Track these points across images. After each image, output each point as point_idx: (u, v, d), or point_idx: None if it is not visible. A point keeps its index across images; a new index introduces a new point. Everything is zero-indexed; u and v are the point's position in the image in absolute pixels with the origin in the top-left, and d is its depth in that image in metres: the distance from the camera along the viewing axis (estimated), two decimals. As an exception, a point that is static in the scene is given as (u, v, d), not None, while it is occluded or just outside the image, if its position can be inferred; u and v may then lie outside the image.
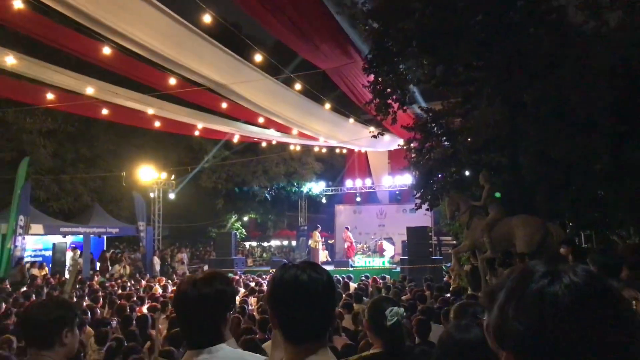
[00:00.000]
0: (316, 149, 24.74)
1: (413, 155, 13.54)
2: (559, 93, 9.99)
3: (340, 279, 13.66)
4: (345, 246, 21.84)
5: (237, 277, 14.72)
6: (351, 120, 17.67)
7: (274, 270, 1.81)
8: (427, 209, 14.13)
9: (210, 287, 1.98)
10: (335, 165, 29.73)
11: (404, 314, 2.69)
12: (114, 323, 7.73)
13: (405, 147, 14.05)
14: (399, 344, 2.64)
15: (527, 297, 0.95)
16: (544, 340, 0.91)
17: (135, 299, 10.24)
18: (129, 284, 14.27)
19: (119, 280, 15.56)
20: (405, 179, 21.67)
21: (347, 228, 22.27)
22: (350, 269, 19.11)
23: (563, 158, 10.46)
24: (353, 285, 12.55)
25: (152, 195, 22.87)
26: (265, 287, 11.95)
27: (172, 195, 23.78)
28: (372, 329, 2.73)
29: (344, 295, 9.96)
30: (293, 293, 1.59)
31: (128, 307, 8.53)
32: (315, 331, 1.61)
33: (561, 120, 10.32)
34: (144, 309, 9.00)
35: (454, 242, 18.08)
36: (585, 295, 0.93)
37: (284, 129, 18.44)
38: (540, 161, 11.19)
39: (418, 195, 13.54)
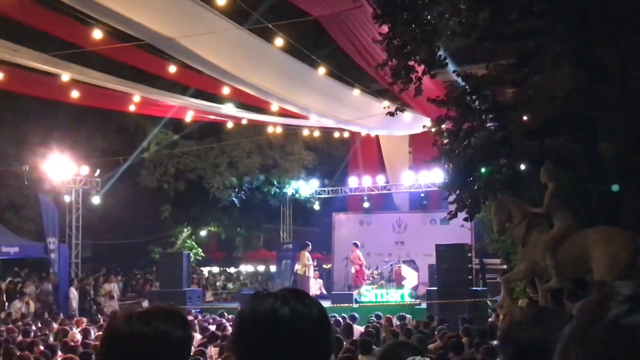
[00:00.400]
0: (306, 132, 24.73)
1: (445, 140, 13.56)
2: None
3: (340, 319, 13.70)
4: (353, 270, 21.90)
5: (191, 318, 14.71)
6: (356, 91, 17.67)
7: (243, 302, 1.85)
8: (464, 219, 14.16)
9: (147, 325, 1.96)
10: (334, 156, 29.77)
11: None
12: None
13: (433, 130, 14.06)
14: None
15: (596, 330, 0.96)
16: None
17: (42, 348, 10.23)
18: (34, 328, 14.22)
19: (20, 323, 15.50)
20: (434, 176, 21.71)
21: (355, 245, 22.27)
22: (355, 305, 19.16)
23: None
24: (358, 329, 12.58)
25: (67, 199, 22.78)
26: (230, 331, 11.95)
27: (96, 199, 23.69)
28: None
29: (344, 344, 10.01)
30: (269, 334, 1.59)
31: (32, 361, 8.54)
32: None
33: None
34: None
35: (504, 266, 18.11)
36: None
37: (258, 104, 18.41)
38: (630, 149, 11.26)
39: (452, 198, 13.55)
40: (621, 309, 0.96)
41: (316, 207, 28.75)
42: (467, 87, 12.97)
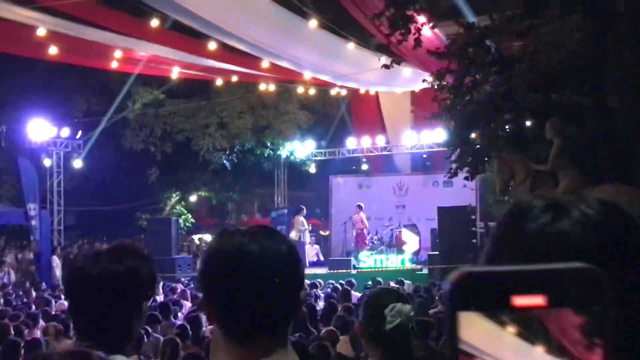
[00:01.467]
0: (300, 90, 24.67)
1: (447, 95, 13.56)
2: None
3: (338, 286, 13.87)
4: (354, 234, 22.01)
5: (181, 287, 14.92)
6: (352, 44, 17.61)
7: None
8: (465, 178, 14.24)
9: (119, 263, 2.07)
10: (330, 115, 29.73)
11: (411, 314, 2.76)
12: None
13: (434, 84, 14.06)
14: (404, 356, 2.72)
15: (524, 241, 1.01)
16: None
17: (24, 318, 10.35)
18: (14, 297, 14.40)
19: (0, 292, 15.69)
20: (437, 136, 21.73)
21: (359, 207, 22.30)
22: (353, 271, 19.34)
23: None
24: (356, 296, 12.74)
25: (47, 162, 22.82)
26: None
27: (78, 163, 23.75)
28: (368, 334, 2.82)
29: (339, 309, 10.17)
30: (237, 270, 1.64)
31: (13, 329, 8.65)
32: (271, 323, 1.67)
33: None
34: (37, 333, 9.14)
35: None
36: (604, 230, 1.00)
37: (247, 62, 18.37)
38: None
39: (454, 157, 13.60)
40: (546, 219, 1.01)
41: (312, 170, 28.82)
42: (470, 38, 12.91)
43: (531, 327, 0.67)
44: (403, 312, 2.72)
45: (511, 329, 0.67)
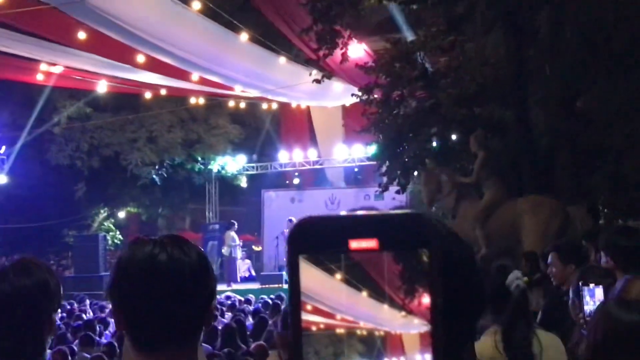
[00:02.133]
0: (231, 104, 24.64)
1: (375, 109, 13.78)
2: (589, 13, 10.43)
3: (269, 301, 13.86)
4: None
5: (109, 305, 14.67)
6: (282, 58, 17.74)
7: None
8: (396, 192, 14.47)
9: (28, 277, 2.10)
10: (262, 129, 29.75)
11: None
12: None
13: (363, 98, 14.28)
14: None
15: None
16: None
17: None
18: None
19: None
20: (368, 150, 22.00)
21: (291, 221, 22.38)
22: (285, 286, 19.30)
23: (596, 111, 10.96)
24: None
25: (-32, 178, 22.22)
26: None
27: (2, 179, 23.17)
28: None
29: (269, 323, 10.21)
30: (146, 279, 1.67)
31: None
32: (178, 334, 1.70)
33: (593, 53, 10.78)
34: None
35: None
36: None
37: (178, 74, 18.28)
38: (562, 116, 11.66)
39: (383, 170, 13.83)
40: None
41: (244, 184, 28.75)
42: (396, 53, 13.18)
43: (356, 274, 0.78)
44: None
45: (338, 276, 0.78)
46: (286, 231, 22.00)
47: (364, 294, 0.77)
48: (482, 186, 11.39)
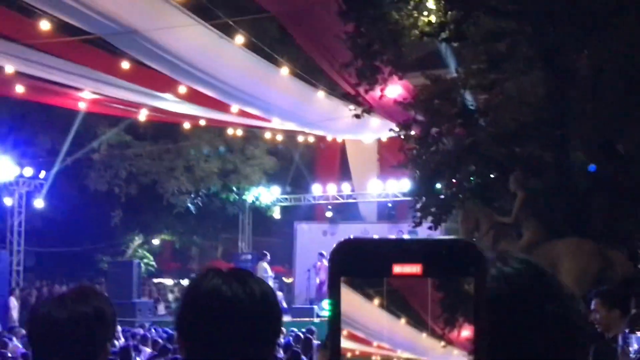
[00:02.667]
0: (267, 135, 24.80)
1: (413, 146, 13.73)
2: (630, 54, 10.33)
3: (300, 334, 13.78)
4: (317, 282, 22.04)
5: (142, 332, 14.72)
6: (321, 92, 17.83)
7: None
8: (429, 228, 14.36)
9: (85, 305, 2.10)
10: (297, 161, 29.88)
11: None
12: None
13: (400, 134, 14.25)
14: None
15: None
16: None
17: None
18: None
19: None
20: (403, 186, 21.94)
21: (322, 254, 22.40)
22: (316, 319, 19.23)
23: (636, 154, 10.81)
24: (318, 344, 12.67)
25: (9, 202, 22.55)
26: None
27: (40, 203, 23.49)
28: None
29: (303, 359, 10.14)
30: (208, 312, 1.68)
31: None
32: None
33: (635, 95, 10.66)
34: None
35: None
36: (516, 286, 1.19)
37: (217, 106, 18.46)
38: (602, 158, 11.51)
39: (418, 206, 13.72)
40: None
41: (277, 215, 28.80)
42: (436, 90, 13.14)
43: (397, 300, 0.75)
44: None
45: (379, 300, 0.75)
46: (319, 264, 21.97)
47: (404, 321, 0.75)
48: (520, 226, 11.24)
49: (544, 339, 1.18)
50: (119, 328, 15.67)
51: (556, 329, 1.19)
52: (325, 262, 19.85)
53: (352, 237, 0.78)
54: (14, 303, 20.80)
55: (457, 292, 0.75)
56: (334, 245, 0.78)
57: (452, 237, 0.80)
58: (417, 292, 0.75)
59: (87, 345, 2.08)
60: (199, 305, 1.70)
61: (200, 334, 1.69)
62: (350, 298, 0.75)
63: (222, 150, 26.89)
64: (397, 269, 0.75)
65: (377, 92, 12.88)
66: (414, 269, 0.75)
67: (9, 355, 11.32)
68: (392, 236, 0.79)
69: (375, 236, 0.82)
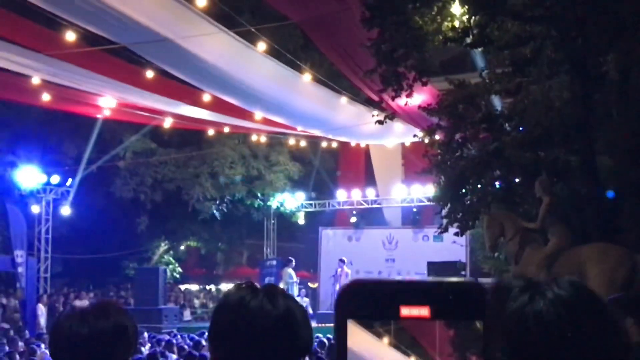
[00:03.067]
0: (291, 142, 24.85)
1: (437, 151, 13.68)
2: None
3: (325, 340, 13.77)
4: (337, 288, 21.99)
5: (168, 338, 14.79)
6: (344, 98, 17.82)
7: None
8: (455, 234, 14.30)
9: (107, 320, 2.11)
10: (321, 167, 29.91)
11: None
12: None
13: (425, 140, 14.20)
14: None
15: (505, 320, 1.15)
16: None
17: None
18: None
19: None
20: (427, 190, 21.86)
21: (342, 261, 22.44)
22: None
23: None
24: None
25: (36, 209, 22.78)
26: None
27: (67, 210, 23.71)
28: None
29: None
30: (234, 323, 1.71)
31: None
32: None
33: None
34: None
35: (498, 285, 18.19)
36: (573, 309, 1.17)
37: (241, 114, 18.55)
38: (629, 162, 11.39)
39: (444, 212, 13.66)
40: (523, 299, 1.17)
41: (301, 221, 28.83)
42: (460, 95, 13.09)
43: (405, 341, 0.73)
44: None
45: (387, 341, 0.73)
46: (339, 270, 21.96)
47: (413, 359, 0.74)
48: (546, 232, 11.14)
49: None
50: (145, 334, 15.81)
51: (612, 355, 1.18)
52: (346, 269, 19.98)
53: (358, 278, 0.77)
54: (41, 310, 21.00)
55: (467, 330, 0.74)
56: (341, 287, 0.77)
57: (458, 279, 0.79)
58: (426, 331, 0.74)
59: None
60: (226, 318, 1.73)
61: (229, 347, 1.71)
62: (358, 337, 0.74)
63: (246, 157, 27.00)
64: (405, 311, 0.74)
65: (401, 98, 12.82)
66: (422, 311, 0.73)
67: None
68: (399, 277, 0.78)
69: (382, 278, 0.81)
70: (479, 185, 13.22)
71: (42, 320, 20.72)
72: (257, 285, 1.81)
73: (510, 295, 1.17)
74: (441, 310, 0.73)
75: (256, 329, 1.68)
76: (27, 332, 17.76)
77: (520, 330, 1.13)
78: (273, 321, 1.70)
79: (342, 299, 0.74)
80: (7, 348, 14.05)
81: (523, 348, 1.13)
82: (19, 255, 21.44)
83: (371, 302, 0.74)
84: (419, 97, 13.39)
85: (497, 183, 13.09)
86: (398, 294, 0.74)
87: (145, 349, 12.91)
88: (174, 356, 12.59)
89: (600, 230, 11.24)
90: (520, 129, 12.57)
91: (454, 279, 0.76)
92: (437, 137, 13.78)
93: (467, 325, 0.73)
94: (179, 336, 15.99)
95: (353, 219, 26.35)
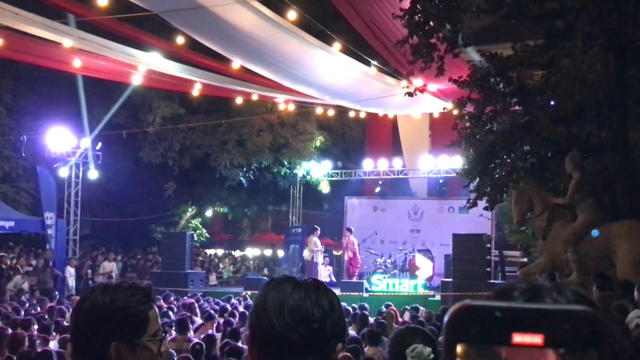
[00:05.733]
0: (319, 111, 24.78)
1: (467, 124, 13.57)
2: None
3: (351, 309, 13.82)
4: (346, 258, 22.17)
5: (192, 301, 14.91)
6: (373, 69, 17.68)
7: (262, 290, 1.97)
8: (484, 208, 14.23)
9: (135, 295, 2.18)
10: (348, 137, 29.83)
11: (431, 357, 2.78)
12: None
13: (455, 112, 14.08)
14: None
15: None
16: None
17: (36, 327, 10.38)
18: (27, 306, 14.43)
19: (11, 301, 15.72)
20: (455, 162, 21.74)
21: (349, 230, 22.54)
22: (365, 294, 19.30)
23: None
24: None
25: (66, 172, 23.01)
26: (234, 317, 12.12)
27: (96, 174, 23.91)
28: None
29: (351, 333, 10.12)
30: (273, 318, 1.72)
31: (26, 340, 8.67)
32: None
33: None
34: (51, 344, 9.14)
35: (524, 259, 18.14)
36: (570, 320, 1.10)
37: (268, 82, 18.53)
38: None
39: (472, 186, 13.59)
40: (521, 301, 1.09)
41: (327, 190, 28.85)
42: (492, 68, 12.94)
43: None
44: (423, 354, 2.75)
45: None
46: (345, 239, 22.01)
47: None
48: (576, 208, 11.05)
49: None
50: (172, 298, 15.98)
51: None
52: (352, 238, 20.13)
53: (469, 301, 0.73)
54: (70, 271, 21.30)
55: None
56: (451, 310, 0.73)
57: (575, 306, 0.74)
58: None
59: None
60: (265, 313, 1.74)
61: (266, 340, 1.73)
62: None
63: (274, 125, 27.00)
64: (517, 338, 0.69)
65: (431, 70, 12.69)
66: (535, 339, 0.69)
67: (66, 323, 11.57)
68: (511, 304, 0.74)
69: (493, 302, 0.76)
70: (508, 160, 13.14)
71: (71, 282, 21.03)
72: (297, 279, 1.83)
73: (511, 296, 1.11)
74: (555, 338, 0.69)
75: (299, 323, 1.71)
76: (56, 293, 18.01)
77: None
78: (319, 315, 1.73)
79: (452, 322, 0.70)
80: (38, 309, 14.25)
81: None
82: (49, 217, 21.71)
83: (482, 326, 0.70)
84: (450, 70, 13.24)
85: (527, 157, 12.99)
86: (510, 320, 0.70)
87: (173, 314, 13.00)
88: (199, 319, 12.69)
89: (631, 207, 11.13)
90: (552, 103, 12.42)
91: (569, 306, 0.71)
92: (467, 109, 13.67)
93: (580, 357, 0.69)
94: (202, 300, 16.13)
95: (378, 189, 26.31)
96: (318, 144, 27.77)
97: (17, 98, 24.29)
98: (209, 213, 31.19)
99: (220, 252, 34.74)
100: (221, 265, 30.51)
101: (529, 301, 1.12)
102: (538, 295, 1.13)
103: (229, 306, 14.50)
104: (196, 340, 9.28)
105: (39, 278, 20.49)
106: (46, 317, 12.61)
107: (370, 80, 18.08)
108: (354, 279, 21.41)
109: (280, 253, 28.75)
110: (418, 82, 14.92)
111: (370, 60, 17.54)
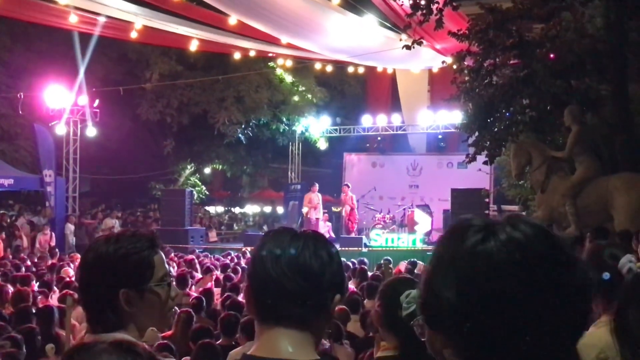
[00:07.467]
0: (318, 66, 24.59)
1: (466, 78, 13.49)
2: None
3: (350, 264, 13.90)
4: (343, 213, 22.24)
5: (192, 257, 14.97)
6: (372, 23, 17.48)
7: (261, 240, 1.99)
8: (484, 163, 14.23)
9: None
10: (347, 92, 29.68)
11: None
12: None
13: (454, 66, 13.98)
14: (419, 342, 2.75)
15: (457, 260, 1.18)
16: (477, 309, 1.13)
17: (36, 284, 10.44)
18: (27, 263, 14.48)
19: (12, 257, 15.78)
20: (454, 117, 21.64)
21: (347, 185, 22.58)
22: (364, 249, 19.39)
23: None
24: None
25: (64, 130, 22.92)
26: (234, 273, 12.18)
27: (94, 131, 23.81)
28: (384, 321, 2.89)
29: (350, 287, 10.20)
30: (268, 267, 1.73)
31: (29, 296, 8.71)
32: (297, 317, 1.73)
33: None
34: (50, 299, 9.20)
35: (523, 212, 18.16)
36: (527, 253, 1.15)
37: (266, 38, 18.34)
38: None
39: (471, 140, 13.56)
40: (476, 238, 1.18)
41: (325, 146, 28.80)
42: (491, 20, 12.82)
43: None
44: (417, 297, 2.75)
45: None
46: (343, 195, 22.05)
47: None
48: (574, 161, 11.04)
49: (557, 309, 1.14)
50: (172, 254, 16.04)
51: (570, 299, 1.16)
52: (350, 193, 20.18)
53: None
54: (70, 228, 21.35)
55: None
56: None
57: None
58: None
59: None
60: (261, 261, 1.74)
61: (261, 287, 1.74)
62: None
63: (272, 81, 26.81)
64: None
65: (430, 22, 12.56)
66: None
67: (67, 279, 11.62)
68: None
69: None
70: (507, 114, 13.10)
71: (71, 239, 21.08)
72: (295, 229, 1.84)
73: (466, 234, 1.18)
74: None
75: (296, 276, 1.71)
76: (56, 249, 18.06)
77: (469, 269, 1.15)
78: (318, 266, 1.74)
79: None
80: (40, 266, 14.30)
81: (472, 287, 1.14)
82: (48, 174, 21.69)
83: None
84: (449, 22, 13.11)
85: (526, 111, 12.94)
86: None
87: (173, 270, 13.05)
88: (198, 275, 12.76)
89: (630, 160, 11.14)
90: (552, 56, 12.33)
91: None
92: (466, 63, 13.58)
93: None
94: (201, 256, 16.21)
95: (377, 145, 26.31)
96: (316, 99, 27.61)
97: (14, 55, 24.05)
98: (207, 170, 31.18)
99: (220, 209, 34.86)
100: (221, 223, 30.65)
101: (485, 239, 1.17)
102: (491, 232, 1.18)
103: (229, 261, 14.57)
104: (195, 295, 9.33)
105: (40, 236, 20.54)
106: (46, 273, 12.65)
107: (369, 33, 17.90)
108: (353, 235, 21.48)
109: (280, 210, 28.85)
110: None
111: (368, 12, 17.34)
